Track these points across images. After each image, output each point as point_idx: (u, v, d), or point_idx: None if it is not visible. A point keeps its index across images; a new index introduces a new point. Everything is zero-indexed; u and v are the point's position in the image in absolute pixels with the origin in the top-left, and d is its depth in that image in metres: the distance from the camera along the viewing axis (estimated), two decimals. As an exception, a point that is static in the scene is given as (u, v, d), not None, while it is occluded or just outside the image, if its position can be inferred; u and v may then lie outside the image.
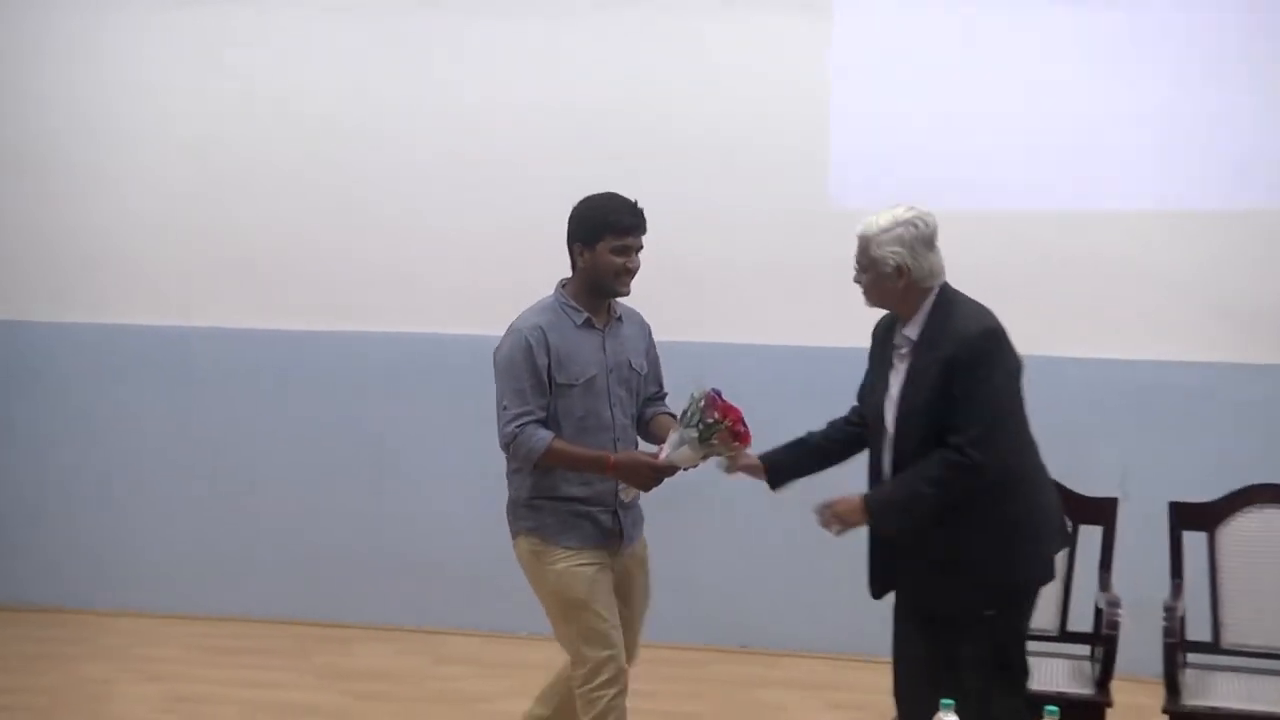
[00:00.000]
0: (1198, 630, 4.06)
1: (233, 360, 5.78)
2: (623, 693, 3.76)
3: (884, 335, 3.59)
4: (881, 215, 3.42)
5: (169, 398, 5.81)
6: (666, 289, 5.11)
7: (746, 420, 3.54)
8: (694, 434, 3.51)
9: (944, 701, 2.91)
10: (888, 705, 3.60)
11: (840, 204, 4.87)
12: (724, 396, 3.53)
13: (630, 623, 3.90)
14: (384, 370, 5.69)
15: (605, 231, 3.65)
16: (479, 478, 5.45)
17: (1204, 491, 4.11)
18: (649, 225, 3.72)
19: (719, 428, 3.48)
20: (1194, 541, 4.08)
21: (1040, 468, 3.56)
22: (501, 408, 3.70)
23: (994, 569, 3.41)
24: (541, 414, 3.67)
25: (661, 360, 3.97)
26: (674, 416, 3.72)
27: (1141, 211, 5.06)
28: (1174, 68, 4.98)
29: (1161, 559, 4.10)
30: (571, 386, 3.69)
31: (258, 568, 5.79)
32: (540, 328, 3.68)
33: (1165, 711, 3.80)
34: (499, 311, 5.36)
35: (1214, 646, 4.05)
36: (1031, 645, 3.69)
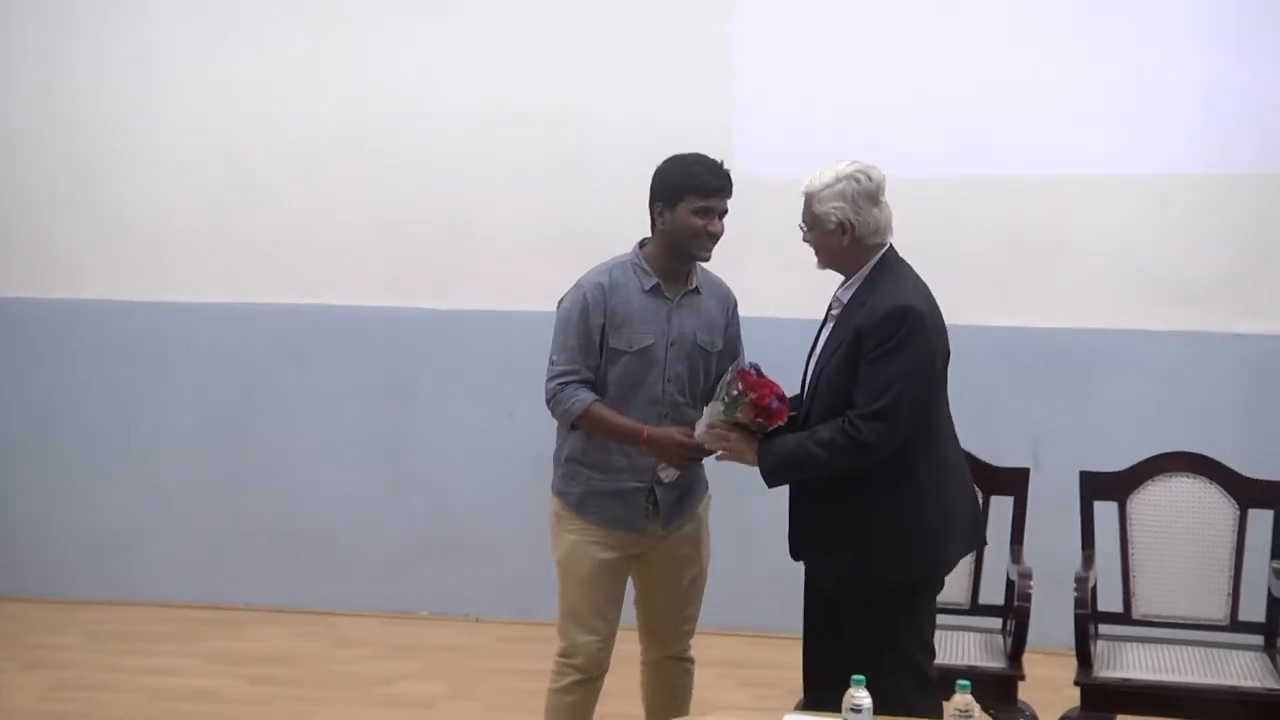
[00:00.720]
0: (1109, 601, 4.11)
1: (113, 333, 5.67)
2: (588, 684, 3.76)
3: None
4: (824, 171, 3.37)
5: (49, 373, 5.70)
6: (561, 261, 5.17)
7: (786, 395, 3.41)
8: (720, 407, 3.42)
9: (855, 678, 2.93)
10: (798, 682, 3.57)
11: (744, 170, 4.89)
12: (764, 372, 3.42)
13: (670, 609, 3.83)
14: (272, 341, 5.63)
15: (688, 192, 3.55)
16: (374, 453, 5.57)
17: (1120, 461, 4.15)
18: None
19: (743, 400, 3.36)
20: (1106, 512, 4.13)
21: (955, 463, 3.49)
22: (550, 361, 3.67)
23: (885, 561, 3.36)
24: (588, 374, 3.62)
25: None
26: None
27: (1059, 176, 5.10)
28: (1095, 29, 5.04)
29: (1074, 530, 4.14)
30: (624, 353, 3.62)
31: (144, 550, 5.70)
32: (603, 286, 3.62)
33: (1077, 684, 3.83)
34: (382, 282, 5.39)
35: (1125, 617, 4.09)
36: (942, 619, 3.69)
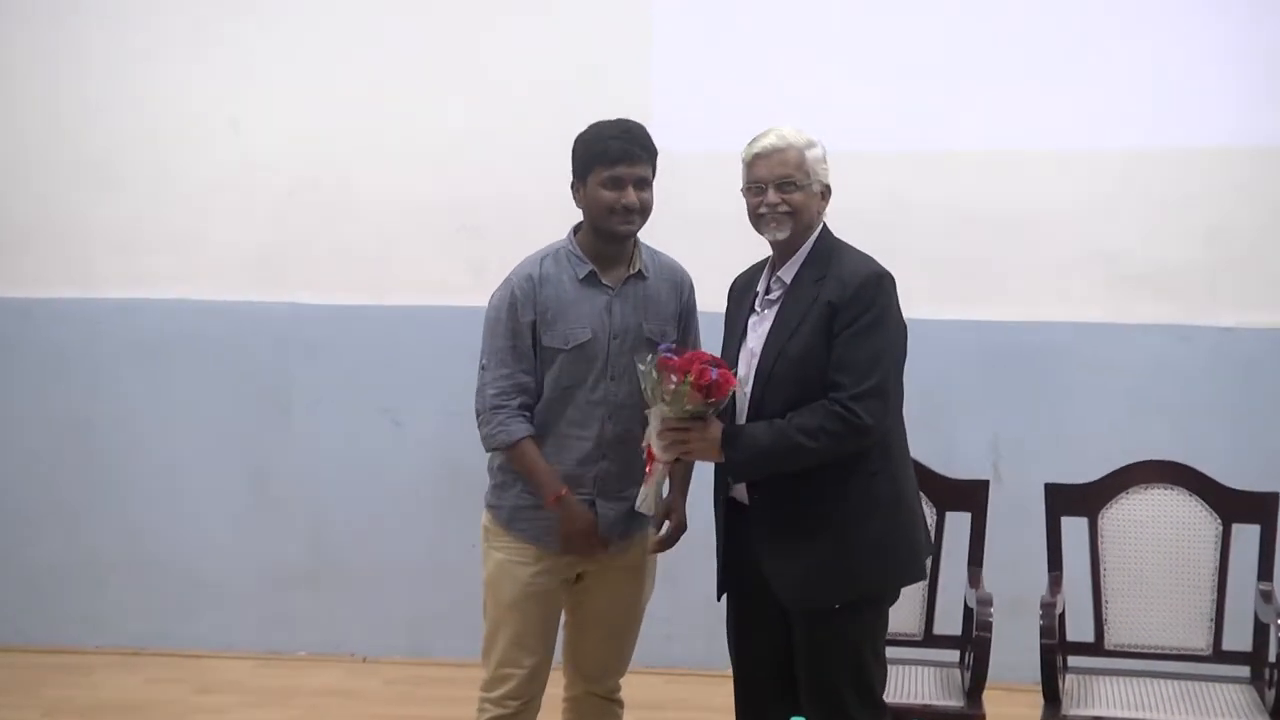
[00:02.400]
0: (1079, 630, 4.10)
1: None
2: (515, 717, 3.74)
3: (742, 292, 3.58)
4: (792, 131, 3.41)
5: None
6: (454, 249, 5.29)
7: (717, 357, 3.39)
8: (664, 408, 3.35)
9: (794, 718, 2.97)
10: (728, 720, 3.62)
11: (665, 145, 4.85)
12: (673, 352, 3.41)
13: (602, 641, 3.82)
14: (122, 342, 5.55)
15: (594, 162, 3.56)
16: (240, 468, 5.62)
17: (1089, 472, 4.14)
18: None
19: (683, 389, 3.29)
20: (1074, 529, 4.12)
21: (909, 461, 3.52)
22: (481, 367, 3.64)
23: (863, 566, 3.37)
24: (523, 396, 3.60)
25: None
26: None
27: (1015, 151, 5.09)
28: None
29: (1039, 549, 4.14)
30: (559, 351, 3.60)
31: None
32: (532, 278, 3.61)
33: (1043, 722, 3.83)
34: (248, 273, 5.43)
35: (1097, 648, 4.10)
36: (892, 652, 3.67)
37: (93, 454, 5.56)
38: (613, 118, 3.64)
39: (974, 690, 3.86)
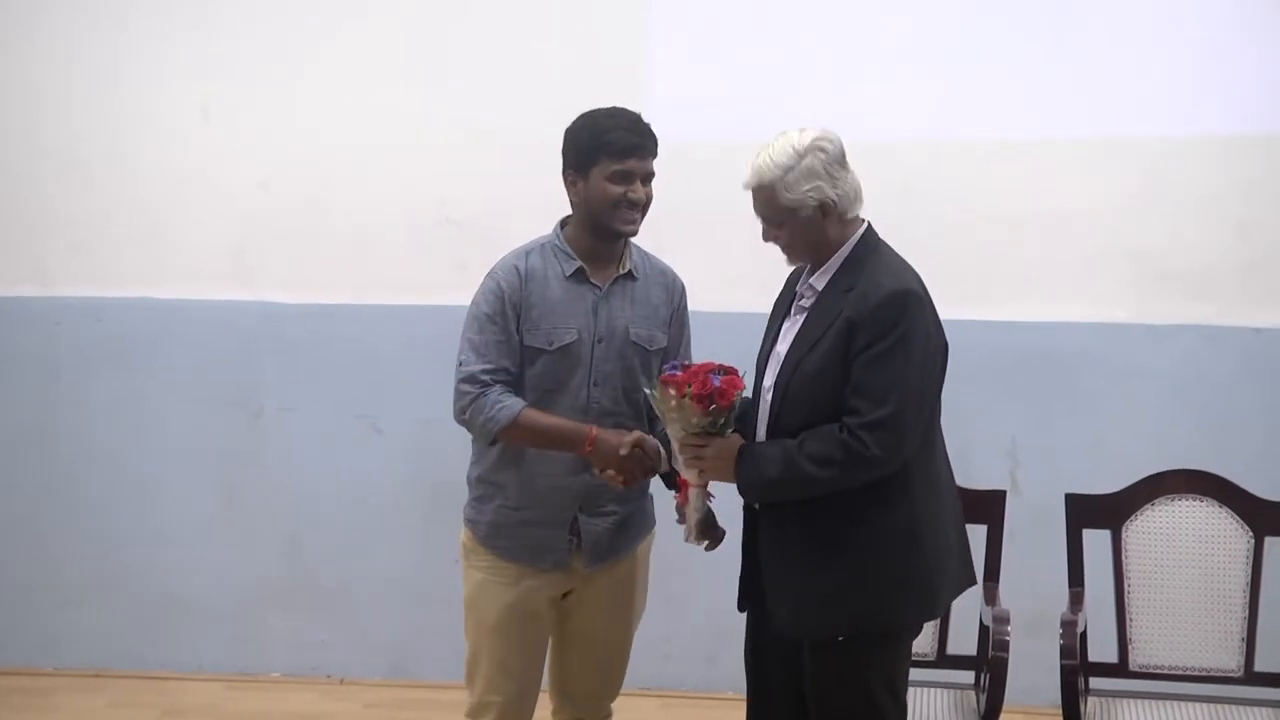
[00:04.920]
0: (1102, 650, 4.10)
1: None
2: None
3: (789, 287, 3.57)
4: (773, 152, 3.32)
5: None
6: (436, 246, 5.31)
7: (727, 364, 3.40)
8: (677, 429, 3.38)
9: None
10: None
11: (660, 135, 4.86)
12: (678, 368, 3.42)
13: (591, 665, 3.83)
14: (83, 342, 5.55)
15: (599, 154, 3.55)
16: (210, 478, 5.60)
17: (1114, 482, 4.14)
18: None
19: (685, 404, 3.32)
20: (1097, 542, 4.13)
21: (948, 483, 3.51)
22: (459, 363, 3.63)
23: (868, 599, 3.35)
24: (506, 377, 3.59)
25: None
26: None
27: (1035, 141, 5.06)
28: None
29: (1059, 564, 4.13)
30: (542, 352, 3.61)
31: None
32: (518, 271, 3.61)
33: (1064, 748, 3.81)
34: (219, 270, 5.43)
35: (1121, 669, 4.09)
36: None
37: (52, 463, 5.55)
38: (606, 106, 3.65)
39: (990, 714, 3.84)
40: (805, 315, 3.40)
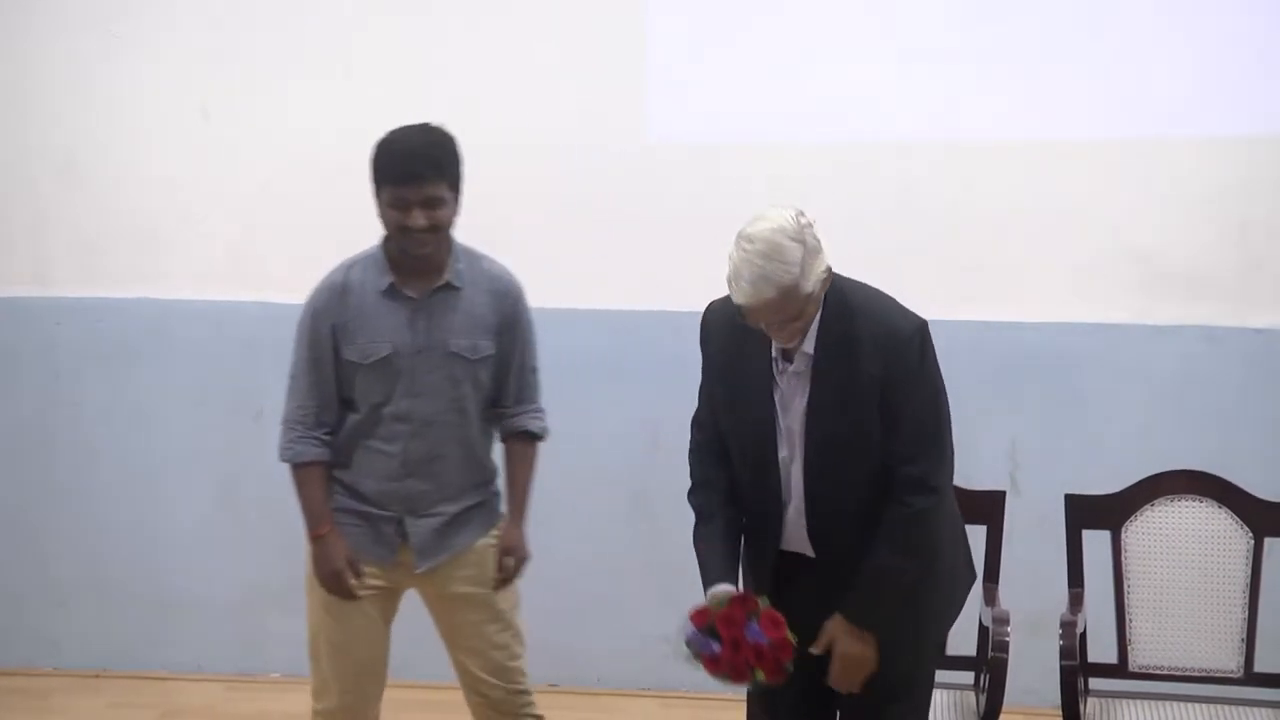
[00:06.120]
0: (1101, 650, 4.11)
1: None
2: None
3: (726, 334, 3.38)
4: (772, 253, 3.11)
5: None
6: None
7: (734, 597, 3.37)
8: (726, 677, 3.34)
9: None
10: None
11: (660, 137, 4.84)
12: (703, 634, 3.36)
13: (473, 658, 3.87)
14: (84, 343, 5.54)
15: (380, 177, 3.59)
16: (210, 478, 5.60)
17: (1113, 482, 4.14)
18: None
19: (760, 679, 3.29)
20: (1097, 542, 4.13)
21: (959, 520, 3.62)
22: (290, 376, 3.72)
23: (931, 621, 3.54)
24: (321, 413, 3.67)
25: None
26: (532, 437, 3.79)
27: (1033, 141, 5.04)
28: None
29: (1059, 565, 4.14)
30: (359, 366, 3.64)
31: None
32: (335, 287, 3.66)
33: (1064, 750, 3.82)
34: (220, 271, 5.42)
35: (1120, 669, 4.10)
36: None
37: (50, 464, 5.55)
38: (420, 123, 3.67)
39: (990, 714, 3.84)
40: (809, 382, 3.32)
